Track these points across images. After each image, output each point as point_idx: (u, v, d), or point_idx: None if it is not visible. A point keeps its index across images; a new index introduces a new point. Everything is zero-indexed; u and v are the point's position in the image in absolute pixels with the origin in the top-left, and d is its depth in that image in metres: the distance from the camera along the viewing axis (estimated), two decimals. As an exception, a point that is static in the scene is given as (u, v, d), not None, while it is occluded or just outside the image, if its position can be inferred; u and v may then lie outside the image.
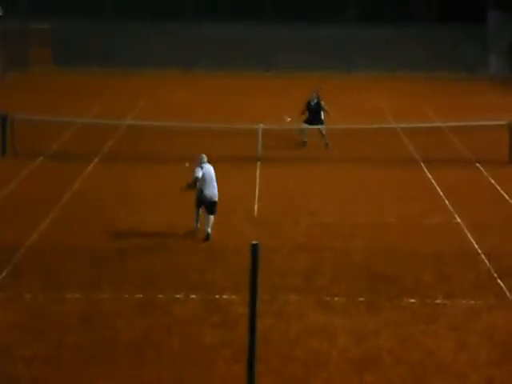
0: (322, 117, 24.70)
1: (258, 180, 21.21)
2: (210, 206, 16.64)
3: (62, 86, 35.94)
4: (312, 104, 24.70)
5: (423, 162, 23.06)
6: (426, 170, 22.36)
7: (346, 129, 25.28)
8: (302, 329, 12.74)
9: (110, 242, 16.23)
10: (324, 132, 24.43)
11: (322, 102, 24.80)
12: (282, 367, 11.61)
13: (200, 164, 16.69)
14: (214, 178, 16.81)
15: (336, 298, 13.85)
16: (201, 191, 16.68)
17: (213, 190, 16.73)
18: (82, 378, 11.24)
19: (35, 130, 24.12)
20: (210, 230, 16.50)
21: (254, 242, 9.04)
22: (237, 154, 23.21)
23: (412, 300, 13.86)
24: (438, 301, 13.86)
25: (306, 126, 24.37)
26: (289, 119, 22.65)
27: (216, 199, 16.74)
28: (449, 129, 26.27)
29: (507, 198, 19.93)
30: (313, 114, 24.56)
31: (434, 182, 21.30)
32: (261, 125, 24.04)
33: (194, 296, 13.83)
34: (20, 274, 14.56)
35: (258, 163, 22.66)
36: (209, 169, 16.85)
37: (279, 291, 13.97)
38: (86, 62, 39.67)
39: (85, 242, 16.22)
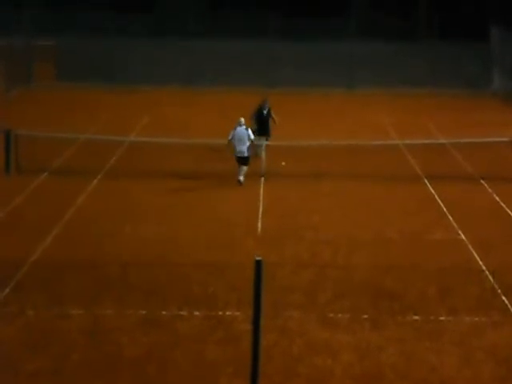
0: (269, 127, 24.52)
1: (261, 196, 21.22)
2: (240, 160, 21.82)
3: (65, 102, 36.05)
4: (264, 113, 24.61)
5: (426, 178, 23.06)
6: (429, 186, 22.36)
7: (349, 145, 25.30)
8: (306, 345, 12.71)
9: (114, 258, 16.22)
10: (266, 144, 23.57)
11: (272, 111, 24.74)
12: (285, 383, 11.56)
13: (235, 127, 21.83)
14: (245, 137, 21.67)
15: (339, 315, 13.82)
16: (234, 148, 21.82)
17: (242, 147, 21.69)
18: (85, 394, 11.22)
19: (39, 146, 24.16)
20: (241, 178, 21.56)
21: (258, 258, 9.05)
22: (240, 170, 23.20)
23: (416, 317, 13.82)
24: (441, 317, 13.82)
25: (261, 140, 23.46)
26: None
27: (245, 155, 21.72)
28: (452, 145, 26.27)
29: (511, 214, 19.91)
30: (264, 124, 24.36)
31: (437, 197, 21.29)
32: (264, 142, 24.06)
33: (197, 313, 13.80)
34: (23, 290, 14.55)
35: (262, 179, 22.68)
36: (240, 131, 21.76)
37: (282, 307, 13.95)
38: (89, 79, 39.81)
39: (88, 257, 16.22)
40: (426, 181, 22.89)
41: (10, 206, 19.69)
